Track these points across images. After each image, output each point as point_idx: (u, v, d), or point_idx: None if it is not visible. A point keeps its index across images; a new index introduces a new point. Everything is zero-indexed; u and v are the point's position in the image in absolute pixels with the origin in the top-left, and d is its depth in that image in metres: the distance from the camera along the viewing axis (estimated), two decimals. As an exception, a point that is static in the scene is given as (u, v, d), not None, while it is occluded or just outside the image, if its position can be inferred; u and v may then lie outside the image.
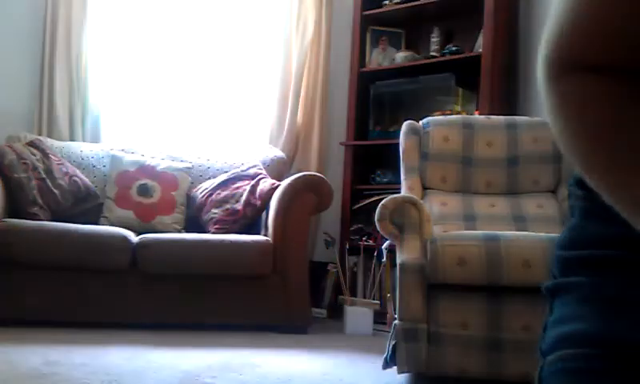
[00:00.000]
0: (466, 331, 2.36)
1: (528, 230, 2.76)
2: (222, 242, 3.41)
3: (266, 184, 3.72)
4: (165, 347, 2.85)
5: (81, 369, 2.40)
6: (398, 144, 3.20)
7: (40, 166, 3.67)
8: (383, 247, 2.75)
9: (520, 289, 2.32)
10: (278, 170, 4.03)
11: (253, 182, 3.77)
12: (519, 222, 2.91)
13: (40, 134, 4.10)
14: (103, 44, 4.31)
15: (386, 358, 2.42)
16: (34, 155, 3.70)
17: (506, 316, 2.36)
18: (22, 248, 3.23)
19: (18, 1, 4.34)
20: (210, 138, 4.38)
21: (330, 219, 4.05)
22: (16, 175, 3.53)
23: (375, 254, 3.63)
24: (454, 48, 3.90)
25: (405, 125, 3.20)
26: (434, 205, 2.98)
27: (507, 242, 2.39)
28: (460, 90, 3.86)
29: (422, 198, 2.89)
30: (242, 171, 3.89)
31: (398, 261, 2.47)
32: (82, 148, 4.04)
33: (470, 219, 2.97)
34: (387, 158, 4.02)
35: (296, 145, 4.40)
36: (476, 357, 2.35)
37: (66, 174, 3.75)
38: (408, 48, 4.19)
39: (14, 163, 3.56)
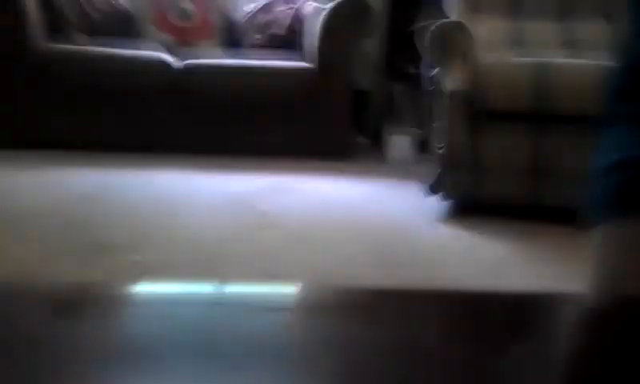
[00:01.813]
0: (511, 159, 2.36)
1: (580, 56, 2.66)
2: (264, 68, 3.38)
3: (309, 8, 3.62)
4: (211, 171, 2.91)
5: (131, 192, 2.49)
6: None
7: (78, -11, 3.60)
8: (429, 74, 2.69)
9: (569, 118, 2.28)
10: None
11: (296, 6, 3.67)
12: (571, 48, 2.80)
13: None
14: None
15: (430, 185, 2.45)
16: (72, -22, 3.62)
17: (552, 145, 2.34)
18: (63, 72, 3.25)
19: None
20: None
21: (374, 46, 3.95)
22: (55, 0, 3.48)
23: (419, 81, 3.56)
24: None
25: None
26: (482, 30, 2.87)
27: (557, 68, 2.33)
28: None
29: (470, 23, 2.78)
30: (283, -6, 3.77)
31: (444, 88, 2.43)
32: (119, -30, 3.93)
33: (519, 45, 2.88)
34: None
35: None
36: (519, 185, 2.36)
37: (105, -3, 3.68)
38: None
39: (52, -14, 3.50)
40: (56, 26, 3.47)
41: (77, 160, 2.98)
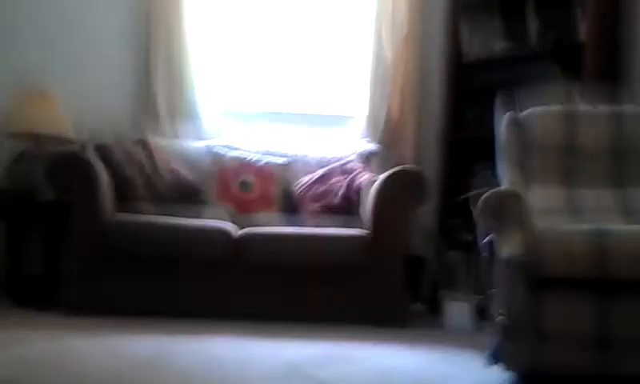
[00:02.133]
0: (573, 328, 2.29)
1: (639, 223, 2.64)
2: (320, 236, 3.45)
3: (363, 178, 3.74)
4: (266, 338, 2.91)
5: (188, 357, 2.50)
6: (497, 136, 3.13)
7: (146, 163, 3.83)
8: (484, 241, 2.70)
9: (631, 285, 2.23)
10: (374, 163, 4.03)
11: (350, 177, 3.79)
12: (628, 215, 2.79)
13: (146, 133, 4.28)
14: (202, 43, 4.44)
15: (489, 355, 2.38)
16: (141, 153, 3.87)
17: (615, 313, 2.27)
18: (129, 241, 3.38)
19: (119, 3, 4.53)
20: (307, 134, 4.42)
21: (428, 213, 4.01)
22: (124, 173, 3.70)
23: (475, 248, 3.57)
24: (554, 36, 3.78)
25: (505, 115, 3.13)
26: (537, 197, 2.89)
27: (617, 235, 2.30)
28: (561, 79, 3.73)
29: (523, 191, 2.81)
30: (340, 165, 3.92)
31: (501, 255, 2.42)
32: (185, 146, 4.18)
33: (575, 212, 2.87)
34: (486, 151, 3.94)
35: (392, 138, 4.38)
36: (584, 355, 2.28)
37: (171, 170, 3.90)
38: (506, 37, 4.08)
39: (123, 161, 3.73)
40: (124, 195, 3.66)
41: (137, 326, 3.03)
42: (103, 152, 3.72)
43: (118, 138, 4.05)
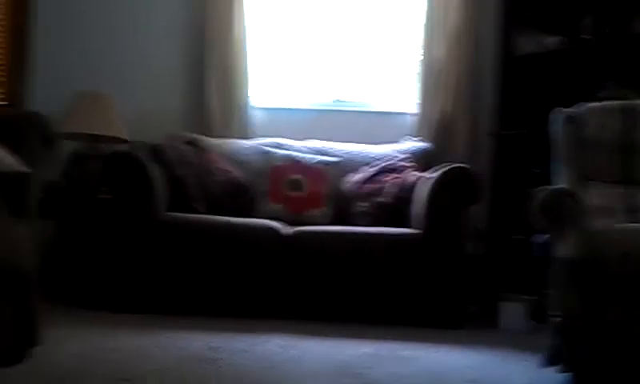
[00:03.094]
0: (629, 329, 2.22)
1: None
2: (370, 235, 3.43)
3: (413, 177, 3.70)
4: (317, 337, 2.91)
5: (241, 355, 2.52)
6: (550, 133, 3.07)
7: (197, 163, 3.87)
8: (539, 241, 2.64)
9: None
10: (425, 161, 3.99)
11: (400, 175, 3.76)
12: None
13: (197, 132, 4.34)
14: (252, 41, 4.48)
15: (544, 356, 2.33)
16: (193, 153, 3.91)
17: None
18: (181, 239, 3.42)
19: (170, 4, 4.60)
20: (357, 131, 4.40)
21: (481, 212, 3.95)
22: (177, 172, 3.75)
23: (529, 247, 3.50)
24: (609, 29, 3.67)
25: (558, 112, 3.06)
26: (592, 196, 2.82)
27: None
28: (617, 74, 3.63)
29: (578, 190, 2.75)
30: (390, 164, 3.89)
31: (556, 255, 2.37)
32: (235, 145, 4.21)
33: (632, 211, 2.79)
34: (539, 148, 3.86)
35: (443, 135, 4.33)
36: (644, 356, 2.21)
37: (222, 170, 3.93)
38: (559, 32, 3.99)
39: (175, 161, 3.78)
40: (176, 194, 3.72)
41: (188, 324, 3.07)
42: (156, 152, 3.79)
43: (170, 138, 4.12)
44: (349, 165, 4.06)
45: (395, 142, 4.20)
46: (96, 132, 4.09)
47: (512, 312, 3.48)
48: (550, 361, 2.31)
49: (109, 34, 4.62)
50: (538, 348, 2.50)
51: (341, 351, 2.66)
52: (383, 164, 3.92)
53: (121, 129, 4.21)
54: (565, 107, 3.08)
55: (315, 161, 3.97)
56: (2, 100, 4.44)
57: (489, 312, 3.66)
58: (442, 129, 4.33)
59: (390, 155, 4.02)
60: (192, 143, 4.01)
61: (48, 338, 2.46)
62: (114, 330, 2.88)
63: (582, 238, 2.33)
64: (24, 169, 2.20)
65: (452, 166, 3.55)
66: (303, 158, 3.99)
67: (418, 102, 4.39)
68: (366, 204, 3.74)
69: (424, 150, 4.10)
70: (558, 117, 3.04)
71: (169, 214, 3.53)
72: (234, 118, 4.45)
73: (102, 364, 2.31)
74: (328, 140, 4.23)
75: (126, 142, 4.24)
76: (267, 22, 4.62)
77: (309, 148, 4.15)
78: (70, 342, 2.61)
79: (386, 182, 3.78)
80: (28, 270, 2.25)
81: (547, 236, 2.54)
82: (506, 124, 4.09)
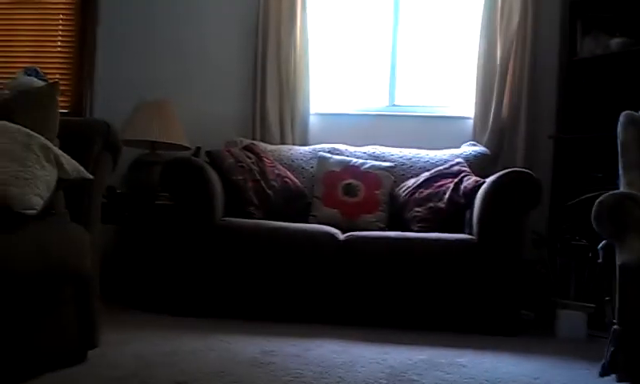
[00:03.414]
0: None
1: None
2: (425, 240, 3.40)
3: (469, 181, 3.66)
4: (370, 343, 2.90)
5: (294, 360, 2.53)
6: (613, 136, 2.98)
7: (255, 168, 3.92)
8: (599, 247, 2.57)
9: None
10: (481, 166, 3.95)
11: (456, 180, 3.72)
12: None
13: (254, 138, 4.40)
14: (311, 48, 4.51)
15: (604, 365, 2.27)
16: (249, 158, 3.97)
17: None
18: (238, 244, 3.47)
19: (230, 12, 4.68)
20: (415, 136, 4.38)
21: (539, 217, 3.87)
22: (234, 178, 3.80)
23: (589, 253, 3.41)
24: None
25: (623, 115, 2.97)
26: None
27: None
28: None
29: (642, 194, 2.66)
30: (445, 169, 3.86)
31: (618, 262, 2.31)
32: (291, 150, 4.26)
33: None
34: (602, 152, 3.77)
35: (501, 140, 4.27)
36: None
37: (278, 175, 3.97)
38: (623, 34, 3.88)
39: (232, 167, 3.84)
40: (233, 199, 3.77)
41: (244, 328, 3.11)
42: (214, 158, 3.85)
43: (229, 144, 4.19)
44: (404, 170, 4.05)
45: (453, 146, 4.16)
46: (156, 139, 4.19)
47: (570, 319, 3.40)
48: (608, 369, 2.25)
49: (169, 43, 4.74)
50: (596, 357, 2.43)
51: (394, 357, 2.65)
52: (439, 169, 3.89)
53: (181, 135, 4.30)
54: (630, 109, 2.99)
55: (370, 165, 3.97)
56: (67, 108, 4.61)
57: (546, 319, 3.58)
58: (500, 132, 4.27)
59: (446, 160, 3.98)
60: (249, 149, 4.07)
61: (107, 340, 2.54)
62: (172, 333, 2.94)
63: (643, 244, 2.27)
64: (87, 175, 2.28)
65: (509, 170, 3.49)
66: (358, 162, 3.99)
67: (477, 105, 4.33)
68: (421, 209, 3.72)
69: (482, 154, 4.05)
70: (623, 119, 2.96)
71: (226, 219, 3.59)
72: (292, 125, 4.50)
73: (159, 367, 2.36)
74: (386, 145, 4.22)
75: (185, 148, 4.33)
76: (325, 28, 4.66)
77: (364, 153, 4.15)
78: (129, 344, 2.68)
79: (442, 187, 3.75)
80: (89, 273, 2.32)
81: (608, 241, 2.48)
82: (566, 128, 4.01)
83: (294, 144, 4.44)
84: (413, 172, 4.02)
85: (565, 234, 3.63)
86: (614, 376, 2.24)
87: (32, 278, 1.98)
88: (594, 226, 2.44)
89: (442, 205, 3.67)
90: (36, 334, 2.11)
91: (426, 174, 3.89)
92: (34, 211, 2.00)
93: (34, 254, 1.97)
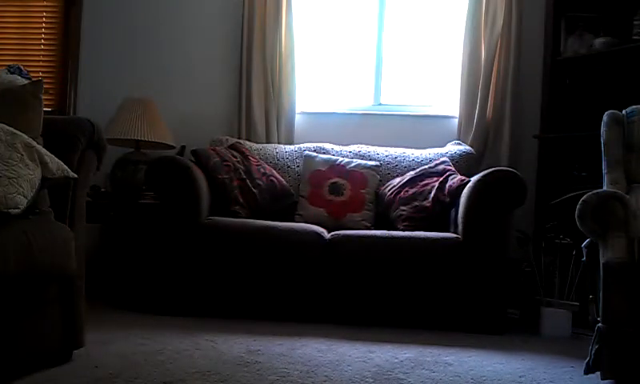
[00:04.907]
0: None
1: None
2: (411, 239, 3.41)
3: (454, 180, 3.67)
4: (356, 341, 2.91)
5: (280, 359, 2.53)
6: (597, 136, 3.01)
7: (240, 167, 3.91)
8: (583, 245, 2.59)
9: None
10: (467, 165, 3.97)
11: (441, 179, 3.73)
12: None
13: (240, 137, 4.40)
14: (296, 47, 4.51)
15: (588, 363, 2.29)
16: (235, 157, 3.96)
17: None
18: (224, 243, 3.46)
19: (216, 11, 4.67)
20: (400, 135, 4.39)
21: (524, 216, 3.90)
22: (219, 176, 3.79)
23: (573, 252, 3.44)
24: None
25: (606, 114, 2.99)
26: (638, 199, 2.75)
27: None
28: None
29: (627, 193, 2.69)
30: (430, 168, 3.87)
31: (602, 260, 2.32)
32: (277, 149, 4.25)
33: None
34: (586, 151, 3.80)
35: (486, 139, 4.30)
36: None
37: (264, 174, 3.97)
38: (607, 33, 3.91)
39: (218, 165, 3.82)
40: (219, 198, 3.76)
41: (229, 327, 3.10)
42: (199, 156, 3.84)
43: (214, 143, 4.17)
44: (390, 169, 4.06)
45: (438, 146, 4.17)
46: (141, 137, 4.17)
47: (555, 318, 3.43)
48: (592, 367, 2.26)
49: (153, 41, 4.71)
50: (581, 354, 2.45)
51: (380, 356, 2.66)
52: (424, 168, 3.90)
53: (165, 134, 4.28)
54: (613, 110, 3.02)
55: (355, 164, 3.97)
56: (51, 107, 4.57)
57: (531, 318, 3.61)
58: (484, 131, 4.29)
59: (431, 159, 4.00)
60: (234, 147, 4.05)
61: (93, 340, 2.53)
62: (157, 332, 2.93)
63: (628, 242, 2.29)
64: (71, 174, 2.26)
65: (494, 169, 3.51)
66: (344, 162, 4.00)
67: (461, 105, 4.35)
68: (407, 208, 3.73)
69: (466, 153, 4.07)
70: (606, 118, 2.98)
71: (212, 218, 3.58)
72: (278, 123, 4.49)
73: (145, 366, 2.35)
74: (371, 144, 4.23)
75: (170, 147, 4.31)
76: (310, 27, 4.65)
77: (350, 152, 4.16)
78: (114, 343, 2.67)
79: (427, 185, 3.76)
80: (74, 272, 2.31)
81: (592, 240, 2.49)
82: (550, 127, 4.03)
83: (279, 143, 4.43)
84: (398, 171, 4.03)
85: (549, 233, 3.65)
86: (598, 374, 2.26)
87: (16, 277, 1.96)
88: (578, 224, 2.46)
89: (427, 204, 3.68)
90: (20, 334, 2.09)
91: (411, 173, 3.90)
92: (18, 210, 1.98)
93: (17, 254, 1.95)
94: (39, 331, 2.20)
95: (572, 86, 4.02)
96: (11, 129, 2.13)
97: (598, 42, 3.88)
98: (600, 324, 2.28)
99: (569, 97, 4.02)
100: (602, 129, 2.98)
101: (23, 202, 2.01)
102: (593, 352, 2.28)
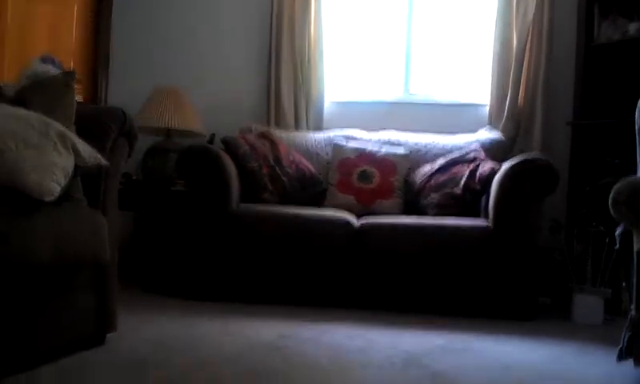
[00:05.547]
0: None
1: None
2: (441, 226, 3.40)
3: (485, 167, 3.64)
4: (385, 328, 2.91)
5: (309, 344, 2.55)
6: (631, 123, 2.95)
7: (270, 155, 3.93)
8: (617, 233, 2.55)
9: None
10: (498, 152, 3.92)
11: (472, 166, 3.71)
12: None
13: (269, 125, 4.41)
14: (325, 36, 4.50)
15: (621, 349, 2.26)
16: (264, 145, 3.97)
17: None
18: (253, 230, 3.48)
19: (244, 3, 4.68)
20: (430, 123, 4.36)
21: (556, 203, 3.85)
22: (249, 164, 3.81)
23: (606, 239, 3.39)
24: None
25: (640, 100, 2.93)
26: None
27: None
28: None
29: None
30: (461, 155, 3.84)
31: (636, 248, 2.29)
32: (306, 137, 4.26)
33: None
34: (619, 139, 3.73)
35: (517, 126, 4.25)
36: None
37: (293, 162, 3.98)
38: (641, 18, 3.83)
39: (247, 153, 3.85)
40: (248, 186, 3.78)
41: (259, 313, 3.12)
42: (229, 144, 3.87)
43: (243, 131, 4.20)
44: (419, 156, 4.04)
45: (468, 133, 4.14)
46: (172, 126, 4.21)
47: (586, 304, 3.39)
48: (625, 354, 2.24)
49: (183, 31, 4.75)
50: (613, 341, 2.42)
51: (408, 342, 2.66)
52: (455, 155, 3.87)
53: (195, 122, 4.32)
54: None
55: (385, 152, 3.96)
56: (83, 96, 4.63)
57: (563, 305, 3.57)
58: (516, 118, 4.24)
59: (461, 146, 3.97)
60: (264, 135, 4.07)
61: (125, 324, 2.57)
62: (188, 317, 2.97)
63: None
64: (103, 161, 2.30)
65: (525, 156, 3.47)
66: (373, 149, 3.99)
67: (492, 93, 4.31)
68: (437, 195, 3.71)
69: (498, 140, 4.03)
70: (639, 104, 2.92)
71: (241, 205, 3.60)
72: (307, 111, 4.50)
73: (176, 350, 2.38)
74: (399, 131, 4.21)
75: (200, 135, 4.35)
76: (340, 15, 4.64)
77: (379, 140, 4.15)
78: (146, 328, 2.71)
79: (458, 173, 3.73)
80: (107, 258, 2.34)
81: (625, 227, 2.46)
82: (584, 114, 3.97)
83: (308, 130, 4.44)
84: (428, 158, 4.01)
85: (582, 220, 3.60)
86: (631, 360, 2.23)
87: (50, 263, 2.00)
88: (612, 212, 2.42)
89: (457, 191, 3.66)
90: (55, 318, 2.14)
91: (441, 160, 3.88)
92: (53, 198, 2.02)
93: (52, 240, 1.99)
94: (73, 316, 2.24)
95: (606, 72, 3.95)
96: (45, 118, 2.16)
97: (633, 26, 3.80)
98: (633, 312, 2.25)
99: (602, 83, 3.95)
100: (636, 115, 2.92)
101: (57, 190, 2.04)
102: (626, 339, 2.25)
